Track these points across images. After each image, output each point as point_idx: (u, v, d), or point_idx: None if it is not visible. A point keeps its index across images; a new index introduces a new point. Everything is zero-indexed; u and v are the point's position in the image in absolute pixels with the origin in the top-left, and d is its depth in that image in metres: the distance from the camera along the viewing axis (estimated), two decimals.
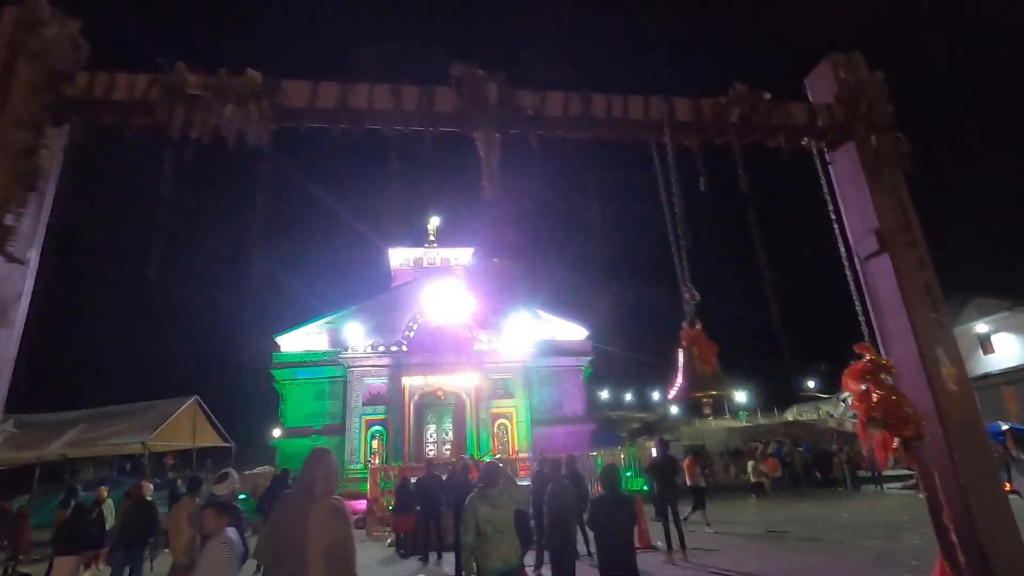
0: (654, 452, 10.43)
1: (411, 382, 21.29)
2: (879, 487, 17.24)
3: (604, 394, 66.39)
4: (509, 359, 21.99)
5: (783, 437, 30.26)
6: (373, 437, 20.68)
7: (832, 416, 38.03)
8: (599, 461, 17.61)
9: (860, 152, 3.32)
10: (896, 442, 2.83)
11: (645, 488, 19.40)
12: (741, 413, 51.30)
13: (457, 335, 22.00)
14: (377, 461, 19.04)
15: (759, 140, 3.41)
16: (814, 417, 40.79)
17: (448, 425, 21.61)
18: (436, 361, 21.36)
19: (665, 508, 10.08)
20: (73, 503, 8.52)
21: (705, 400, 2.74)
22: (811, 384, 47.02)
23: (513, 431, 21.60)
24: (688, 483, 11.48)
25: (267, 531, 2.91)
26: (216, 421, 15.17)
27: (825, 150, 3.52)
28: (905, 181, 3.28)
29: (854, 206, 3.39)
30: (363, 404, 21.02)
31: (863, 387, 2.96)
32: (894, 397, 2.87)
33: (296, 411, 21.52)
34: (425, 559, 9.56)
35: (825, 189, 3.52)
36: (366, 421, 20.81)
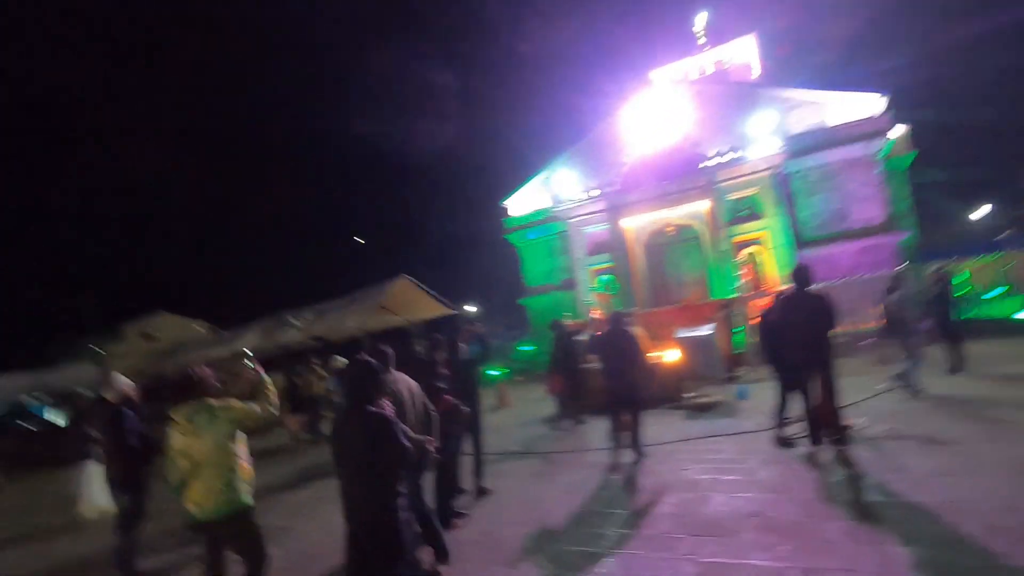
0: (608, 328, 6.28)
1: (633, 222, 18.63)
2: None
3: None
4: (750, 170, 16.61)
5: None
6: (605, 287, 19.42)
7: None
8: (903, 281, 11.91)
9: None
10: None
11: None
12: None
13: (678, 156, 17.75)
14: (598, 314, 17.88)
15: None
16: None
17: (690, 263, 18.38)
18: (656, 194, 17.94)
19: (617, 410, 6.12)
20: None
21: None
22: None
23: (768, 259, 16.79)
24: None
25: None
26: (433, 293, 16.55)
27: None
28: None
29: None
30: (588, 255, 19.73)
31: None
32: None
33: (535, 270, 21.92)
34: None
35: None
36: (593, 272, 19.59)
